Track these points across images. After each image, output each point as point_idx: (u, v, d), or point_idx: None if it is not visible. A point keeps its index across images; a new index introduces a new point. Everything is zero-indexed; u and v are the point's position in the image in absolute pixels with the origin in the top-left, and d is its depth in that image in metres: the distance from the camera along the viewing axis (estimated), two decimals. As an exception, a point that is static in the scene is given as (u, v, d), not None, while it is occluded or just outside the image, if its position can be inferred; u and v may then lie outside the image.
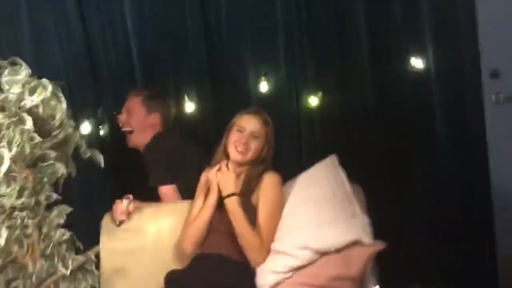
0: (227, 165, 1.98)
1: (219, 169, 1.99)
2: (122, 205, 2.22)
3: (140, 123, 2.44)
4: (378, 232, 2.12)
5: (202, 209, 2.05)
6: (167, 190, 2.35)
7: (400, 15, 2.44)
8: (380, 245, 1.80)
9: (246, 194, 1.98)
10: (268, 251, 1.87)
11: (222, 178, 1.97)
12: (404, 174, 2.49)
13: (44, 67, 2.69)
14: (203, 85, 2.65)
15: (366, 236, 1.79)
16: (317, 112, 2.56)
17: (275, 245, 1.87)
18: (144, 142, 2.43)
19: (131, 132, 2.47)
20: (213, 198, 2.00)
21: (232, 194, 1.93)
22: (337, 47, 2.53)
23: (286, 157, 2.55)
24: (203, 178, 2.13)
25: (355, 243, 1.79)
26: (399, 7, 2.44)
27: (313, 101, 2.57)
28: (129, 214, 2.23)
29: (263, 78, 2.59)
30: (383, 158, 2.49)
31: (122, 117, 2.48)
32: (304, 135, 2.58)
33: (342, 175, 2.02)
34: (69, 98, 2.66)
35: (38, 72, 2.61)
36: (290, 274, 1.81)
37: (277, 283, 1.81)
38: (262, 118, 2.04)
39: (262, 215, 1.93)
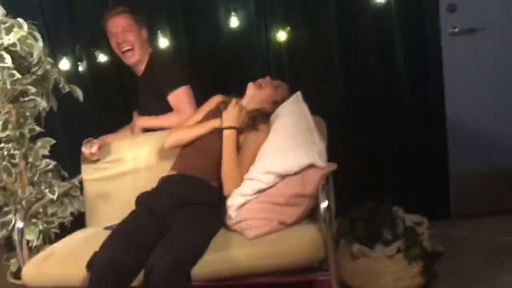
0: (237, 103, 2.15)
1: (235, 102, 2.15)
2: (85, 151, 2.40)
3: (139, 38, 2.50)
4: (339, 156, 2.37)
5: (200, 124, 2.23)
6: (186, 89, 2.42)
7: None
8: (332, 167, 2.02)
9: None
10: (239, 185, 2.06)
11: (229, 110, 2.15)
12: (365, 103, 2.67)
13: (20, 7, 2.76)
14: (175, 21, 2.74)
15: (320, 161, 1.99)
16: (285, 46, 2.68)
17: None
18: (145, 56, 2.52)
19: (132, 49, 2.49)
20: (217, 122, 2.16)
21: (234, 128, 2.11)
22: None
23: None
24: (215, 100, 2.31)
25: (311, 166, 1.99)
26: None
27: (281, 35, 2.68)
28: (96, 153, 2.41)
29: (233, 13, 2.68)
30: (345, 90, 2.66)
31: (120, 37, 2.47)
32: (273, 68, 2.71)
33: (305, 109, 2.19)
34: (47, 36, 2.81)
35: (15, 12, 2.72)
36: (256, 195, 2.02)
37: (244, 203, 2.02)
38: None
39: (247, 155, 2.11)
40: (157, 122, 2.46)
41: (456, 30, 2.60)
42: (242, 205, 2.01)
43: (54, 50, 2.83)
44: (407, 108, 2.67)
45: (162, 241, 1.84)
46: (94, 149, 2.39)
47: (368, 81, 2.66)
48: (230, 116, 2.14)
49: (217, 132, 2.15)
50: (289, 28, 2.66)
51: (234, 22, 2.70)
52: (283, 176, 1.98)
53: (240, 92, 2.32)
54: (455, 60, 2.61)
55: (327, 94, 2.65)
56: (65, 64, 2.85)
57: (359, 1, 2.59)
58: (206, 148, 2.17)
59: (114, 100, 2.88)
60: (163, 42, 2.78)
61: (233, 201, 2.02)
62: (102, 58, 2.85)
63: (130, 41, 2.47)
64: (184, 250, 1.78)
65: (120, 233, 1.92)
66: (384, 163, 2.75)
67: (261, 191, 2.01)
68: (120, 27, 2.46)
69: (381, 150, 2.73)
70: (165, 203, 2.00)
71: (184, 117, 2.36)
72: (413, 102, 2.67)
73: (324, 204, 1.86)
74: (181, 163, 2.21)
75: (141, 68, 2.55)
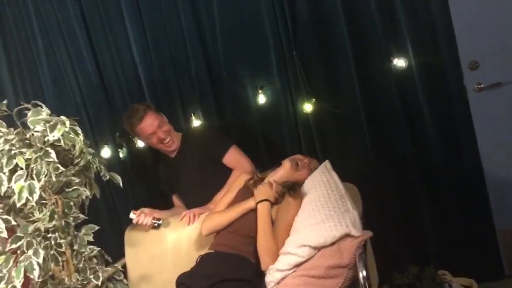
0: (270, 182, 2.22)
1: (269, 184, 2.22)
2: (136, 220, 2.52)
3: (168, 125, 2.66)
4: (375, 222, 2.35)
5: (235, 207, 2.28)
6: (235, 147, 2.61)
7: (379, 22, 2.63)
8: (367, 234, 2.00)
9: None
10: (276, 259, 2.07)
11: (260, 187, 2.22)
12: (396, 166, 2.68)
13: (65, 104, 3.02)
14: (206, 103, 2.89)
15: (354, 229, 1.98)
16: (312, 116, 2.76)
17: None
18: (178, 140, 2.68)
19: (171, 139, 2.64)
20: (251, 203, 2.21)
21: (266, 200, 2.16)
22: (323, 57, 2.73)
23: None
24: (242, 178, 2.39)
25: (347, 236, 1.99)
26: (378, 16, 2.62)
27: (307, 107, 2.77)
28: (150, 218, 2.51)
29: (260, 91, 2.81)
30: (375, 154, 2.69)
31: (160, 134, 2.60)
32: (302, 138, 2.79)
33: (335, 177, 2.24)
34: (89, 128, 3.02)
35: (60, 108, 2.97)
36: (294, 269, 2.02)
37: (283, 278, 2.02)
38: None
39: (281, 227, 2.14)
40: (229, 190, 2.50)
41: (482, 86, 2.61)
42: (280, 281, 2.01)
43: (96, 139, 3.03)
44: (441, 168, 2.66)
45: None
46: (147, 221, 2.48)
47: (397, 144, 2.68)
48: (262, 191, 2.18)
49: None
50: (314, 100, 2.75)
51: (261, 99, 2.82)
52: (318, 248, 1.99)
53: (272, 164, 2.38)
54: (485, 116, 2.61)
55: (357, 160, 2.68)
56: (106, 152, 3.02)
57: (380, 68, 2.67)
58: (241, 225, 2.21)
59: (153, 184, 2.98)
60: (196, 123, 2.92)
61: (271, 277, 2.04)
62: (141, 143, 3.00)
63: (167, 132, 2.63)
64: None
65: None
66: (424, 226, 2.69)
67: (298, 265, 2.01)
68: (155, 126, 2.59)
69: (419, 213, 2.69)
70: (204, 283, 2.04)
71: (246, 170, 2.50)
72: (446, 162, 2.65)
73: (363, 274, 1.84)
74: (217, 240, 2.25)
75: (175, 150, 2.68)
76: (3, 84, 3.15)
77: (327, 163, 2.31)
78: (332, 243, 1.99)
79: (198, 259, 2.26)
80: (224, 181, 2.59)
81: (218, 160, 2.60)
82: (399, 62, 2.64)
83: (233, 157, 2.59)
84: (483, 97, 2.61)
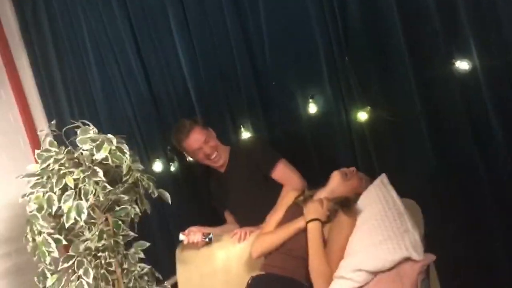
0: (320, 200, 2.12)
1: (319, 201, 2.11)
2: (187, 240, 2.47)
3: (217, 142, 2.64)
4: (439, 242, 2.15)
5: (284, 227, 2.17)
6: (284, 161, 2.54)
7: (439, 21, 2.41)
8: (429, 258, 1.82)
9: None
10: (330, 283, 1.94)
11: (310, 205, 2.11)
12: (461, 179, 2.44)
13: (117, 119, 3.05)
14: (256, 115, 2.80)
15: (415, 253, 1.81)
16: (367, 126, 2.59)
17: None
18: (226, 155, 2.64)
19: (217, 154, 2.61)
20: (301, 222, 2.11)
21: (316, 219, 2.05)
22: (377, 61, 2.55)
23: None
24: (291, 196, 2.30)
25: (407, 259, 1.82)
26: (437, 15, 2.40)
27: (362, 116, 2.60)
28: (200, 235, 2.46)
29: (310, 100, 2.68)
30: (437, 166, 2.46)
31: (206, 150, 2.58)
32: (357, 150, 2.62)
33: (393, 193, 2.07)
34: (141, 142, 3.03)
35: (112, 123, 2.99)
36: (348, 296, 1.87)
37: (337, 304, 1.88)
38: None
39: (335, 248, 2.01)
40: (278, 208, 2.41)
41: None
42: (334, 307, 1.87)
43: (148, 153, 3.04)
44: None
45: None
46: (197, 238, 2.44)
47: (462, 155, 2.42)
48: (312, 209, 2.07)
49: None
50: (369, 108, 2.58)
51: (312, 108, 2.70)
52: (375, 273, 1.83)
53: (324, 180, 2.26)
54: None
55: (417, 173, 2.47)
56: (158, 166, 3.01)
57: (440, 71, 2.44)
58: (293, 246, 2.10)
59: (205, 198, 2.93)
60: (246, 135, 2.84)
61: (326, 303, 1.89)
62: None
63: (214, 148, 2.59)
64: None
65: None
66: (496, 249, 2.42)
67: (353, 290, 1.85)
68: (201, 141, 2.57)
69: (490, 233, 2.41)
70: None
71: (295, 185, 2.42)
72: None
73: (424, 302, 1.67)
74: (269, 261, 2.15)
75: (223, 165, 2.60)
76: (61, 103, 3.24)
77: (383, 178, 2.15)
78: (391, 268, 1.83)
79: (249, 281, 2.17)
80: (275, 197, 2.49)
81: (266, 175, 2.52)
82: (462, 65, 2.40)
83: (282, 172, 2.52)
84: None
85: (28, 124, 3.32)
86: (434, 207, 2.32)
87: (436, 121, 2.47)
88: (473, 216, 2.42)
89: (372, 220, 1.98)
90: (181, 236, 2.45)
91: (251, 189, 2.55)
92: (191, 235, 2.45)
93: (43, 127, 3.24)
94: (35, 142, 3.25)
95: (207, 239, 2.46)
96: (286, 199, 2.31)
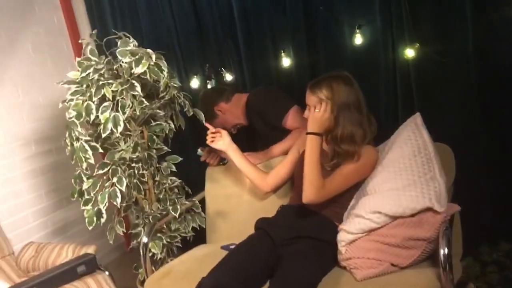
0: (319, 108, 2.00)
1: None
2: (204, 158, 2.57)
3: (231, 115, 2.62)
4: (469, 190, 2.12)
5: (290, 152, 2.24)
6: (294, 109, 2.42)
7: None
8: (453, 209, 1.81)
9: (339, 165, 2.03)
10: (323, 196, 1.95)
11: (312, 116, 2.02)
12: (502, 130, 2.34)
13: (160, 32, 3.01)
14: (299, 40, 2.71)
15: (437, 204, 1.78)
16: (413, 64, 2.48)
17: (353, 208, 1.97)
18: (242, 113, 2.62)
19: (236, 124, 2.65)
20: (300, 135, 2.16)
21: (316, 134, 1.99)
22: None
23: (382, 110, 2.57)
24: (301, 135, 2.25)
25: (429, 209, 1.80)
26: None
27: (409, 52, 2.48)
28: (216, 158, 2.55)
29: (357, 30, 2.56)
30: (480, 114, 2.36)
31: (226, 127, 2.56)
32: (399, 87, 2.53)
33: (425, 136, 1.99)
34: (180, 57, 3.01)
35: (155, 38, 2.97)
36: (366, 234, 1.88)
37: (354, 240, 1.90)
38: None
39: (342, 174, 1.98)
40: (287, 143, 2.44)
41: None
42: (351, 242, 1.90)
43: (186, 69, 3.03)
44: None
45: (277, 273, 1.86)
46: (213, 161, 2.55)
47: (507, 107, 2.32)
48: (312, 121, 2.01)
49: (332, 166, 2.05)
50: (418, 45, 2.45)
51: (358, 39, 2.58)
52: (395, 218, 1.83)
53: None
54: None
55: (457, 119, 2.38)
56: (195, 82, 3.01)
57: (501, 14, 2.27)
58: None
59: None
60: (286, 61, 2.77)
61: (343, 237, 1.92)
62: (229, 77, 2.94)
63: (232, 124, 2.63)
64: (298, 286, 1.77)
65: (230, 261, 1.96)
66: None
67: (371, 230, 1.88)
68: (218, 123, 2.59)
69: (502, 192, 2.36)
70: (284, 234, 2.01)
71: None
72: None
73: (444, 251, 1.69)
74: (300, 195, 2.15)
75: (244, 118, 2.65)
76: (105, 13, 3.22)
77: (417, 117, 2.05)
78: (412, 215, 1.82)
79: (280, 208, 2.23)
80: None
81: (281, 127, 2.44)
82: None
83: (293, 121, 2.41)
84: None
85: (72, 28, 3.34)
86: (467, 155, 2.24)
87: (486, 69, 2.33)
88: (507, 167, 2.35)
89: (400, 162, 1.93)
90: (199, 151, 2.48)
91: (271, 140, 2.53)
92: (211, 156, 2.53)
93: (86, 36, 3.26)
94: (78, 50, 3.29)
95: (221, 163, 2.56)
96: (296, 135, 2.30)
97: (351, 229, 1.89)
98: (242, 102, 2.62)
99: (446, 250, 1.68)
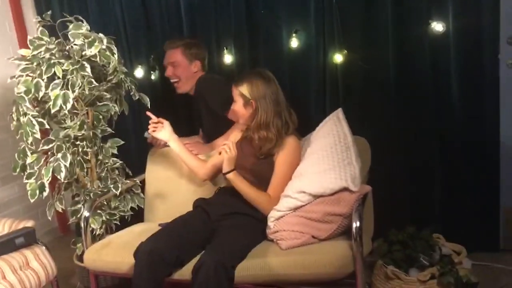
0: (229, 146, 2.22)
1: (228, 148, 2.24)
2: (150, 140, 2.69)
3: (186, 72, 2.74)
4: (384, 180, 2.45)
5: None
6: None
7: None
8: (365, 189, 2.11)
9: (268, 155, 2.28)
10: (276, 202, 2.19)
11: (225, 159, 2.23)
12: (415, 130, 2.73)
13: (107, 20, 3.12)
14: (241, 39, 2.94)
15: (352, 184, 2.09)
16: (340, 68, 2.79)
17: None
18: (191, 86, 2.76)
19: (179, 81, 2.77)
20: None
21: (231, 171, 2.23)
22: (363, 9, 2.70)
23: (312, 106, 2.86)
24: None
25: (345, 189, 2.10)
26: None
27: (338, 58, 2.79)
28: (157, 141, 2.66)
29: (294, 34, 2.83)
30: (397, 115, 2.73)
31: (168, 71, 2.76)
32: (327, 86, 2.82)
33: (345, 128, 2.29)
34: (126, 47, 3.13)
35: (102, 25, 3.07)
36: (293, 211, 2.15)
37: (282, 216, 2.16)
38: None
39: (277, 174, 2.25)
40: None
41: (515, 62, 2.58)
42: (279, 218, 2.16)
43: (131, 59, 3.15)
44: (460, 138, 2.68)
45: (212, 242, 2.08)
46: (159, 144, 2.68)
47: (420, 107, 2.70)
48: (226, 162, 2.24)
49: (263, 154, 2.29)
50: (345, 51, 2.76)
51: (294, 42, 2.85)
52: (317, 196, 2.11)
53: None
54: (512, 92, 2.59)
55: (376, 117, 2.72)
56: (139, 72, 3.14)
57: (417, 30, 2.64)
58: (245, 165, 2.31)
59: (180, 109, 3.10)
60: (228, 58, 2.99)
61: (272, 214, 2.18)
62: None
63: (176, 76, 2.75)
64: (230, 254, 1.99)
65: (168, 229, 2.16)
66: (430, 190, 2.77)
67: (297, 208, 2.14)
68: (169, 61, 2.74)
69: (429, 176, 2.75)
70: (218, 210, 2.25)
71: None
72: (466, 133, 2.67)
73: (356, 224, 1.97)
74: None
75: (191, 91, 2.79)
76: (52, 1, 3.25)
77: (339, 112, 2.34)
78: (332, 194, 2.11)
79: (217, 190, 2.45)
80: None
81: (219, 115, 2.62)
82: (437, 26, 2.59)
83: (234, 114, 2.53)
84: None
85: (16, 11, 3.35)
86: (384, 147, 2.60)
87: (403, 75, 2.70)
88: (418, 159, 2.75)
89: (322, 150, 2.22)
90: (146, 134, 2.58)
91: (210, 120, 2.72)
92: (157, 141, 2.66)
93: (31, 17, 3.30)
94: (22, 30, 3.32)
95: (167, 145, 2.65)
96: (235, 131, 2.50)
97: (279, 207, 2.15)
98: (196, 76, 2.75)
99: (358, 223, 1.97)
